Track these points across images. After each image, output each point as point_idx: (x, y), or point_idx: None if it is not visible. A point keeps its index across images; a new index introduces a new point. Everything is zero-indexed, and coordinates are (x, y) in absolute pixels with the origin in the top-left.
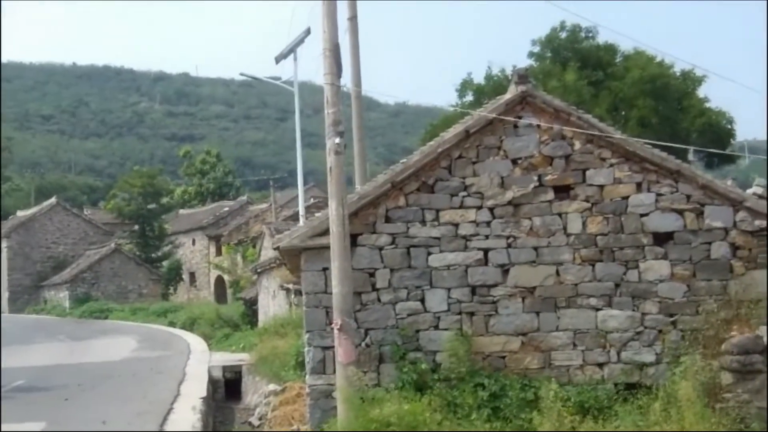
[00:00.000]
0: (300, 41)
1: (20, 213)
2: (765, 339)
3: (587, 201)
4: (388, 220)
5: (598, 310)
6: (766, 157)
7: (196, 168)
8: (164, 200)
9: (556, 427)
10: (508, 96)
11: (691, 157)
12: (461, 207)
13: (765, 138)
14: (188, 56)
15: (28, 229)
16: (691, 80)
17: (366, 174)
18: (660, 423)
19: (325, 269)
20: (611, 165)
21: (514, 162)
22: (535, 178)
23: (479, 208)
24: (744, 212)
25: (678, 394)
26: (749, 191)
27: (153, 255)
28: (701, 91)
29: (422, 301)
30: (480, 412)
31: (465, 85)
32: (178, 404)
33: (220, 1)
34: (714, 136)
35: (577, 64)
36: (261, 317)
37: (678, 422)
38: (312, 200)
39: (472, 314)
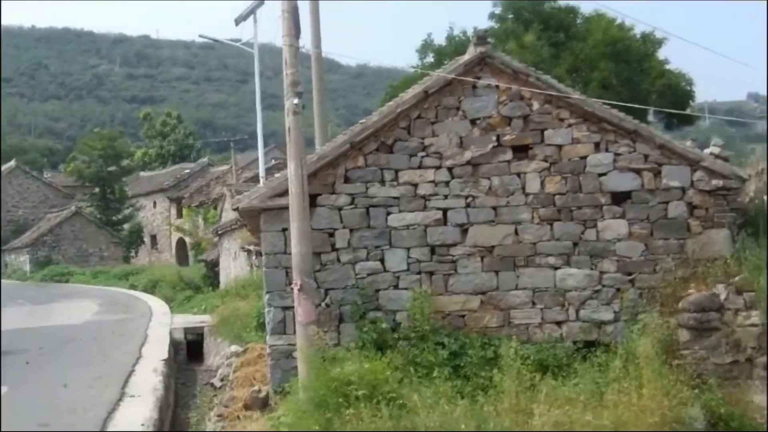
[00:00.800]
0: (260, 3)
1: None
2: (721, 297)
3: (545, 161)
4: (347, 180)
5: (556, 268)
6: (724, 118)
7: (157, 130)
8: (125, 163)
9: (516, 384)
10: (466, 57)
11: (651, 118)
12: (420, 167)
13: (724, 99)
14: (148, 19)
15: None
16: (651, 42)
17: (327, 135)
18: (619, 380)
19: (284, 230)
20: (569, 125)
21: (473, 122)
22: (494, 138)
23: (438, 168)
24: (701, 172)
25: (636, 351)
26: (706, 151)
27: (114, 218)
28: (661, 53)
29: (382, 260)
30: (440, 371)
31: (426, 47)
32: (139, 366)
33: None
34: (674, 98)
35: (539, 26)
36: (222, 279)
37: (636, 379)
38: (273, 162)
39: (431, 274)
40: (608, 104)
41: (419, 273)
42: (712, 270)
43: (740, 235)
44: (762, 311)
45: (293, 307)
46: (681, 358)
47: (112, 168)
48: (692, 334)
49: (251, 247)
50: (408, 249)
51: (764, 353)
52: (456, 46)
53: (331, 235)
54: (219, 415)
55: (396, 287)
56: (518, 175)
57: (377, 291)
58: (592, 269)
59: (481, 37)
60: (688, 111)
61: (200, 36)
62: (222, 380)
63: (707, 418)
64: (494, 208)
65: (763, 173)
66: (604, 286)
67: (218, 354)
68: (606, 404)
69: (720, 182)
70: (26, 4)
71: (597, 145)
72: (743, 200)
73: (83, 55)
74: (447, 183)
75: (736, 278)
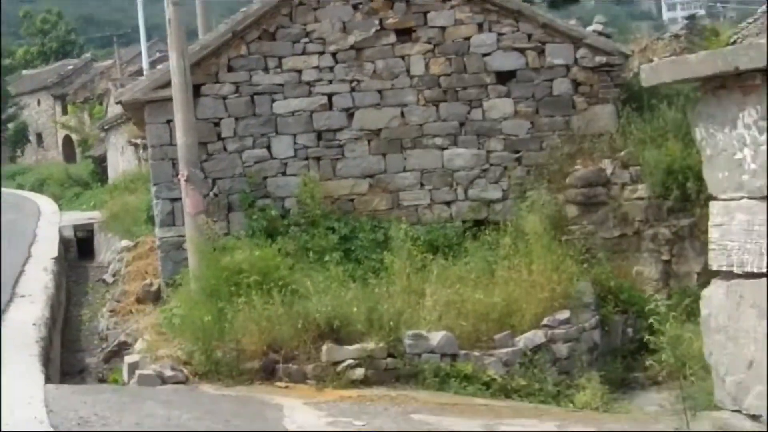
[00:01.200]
0: None
1: None
2: (608, 172)
3: (429, 43)
4: (230, 69)
5: (443, 149)
6: None
7: (37, 27)
8: (6, 62)
9: (407, 265)
10: None
11: None
12: (304, 53)
13: None
14: None
15: None
16: None
17: (212, 26)
18: (509, 257)
19: (169, 121)
20: (452, 7)
21: (355, 7)
22: (377, 22)
23: (321, 53)
24: (584, 49)
25: (525, 228)
26: (589, 29)
27: None
28: None
29: (268, 148)
30: (332, 255)
31: None
32: (29, 266)
33: None
34: None
35: None
36: (111, 174)
37: (526, 255)
38: (158, 54)
39: (318, 159)
40: None
41: (306, 159)
42: (598, 145)
43: (625, 110)
44: (647, 184)
45: (181, 199)
46: (569, 234)
47: None
48: (580, 210)
49: (138, 141)
50: (294, 135)
51: (651, 225)
52: None
53: (217, 124)
54: (111, 311)
55: (284, 174)
56: (402, 57)
57: (265, 178)
58: (479, 149)
59: None
60: None
61: None
62: (114, 276)
63: (596, 291)
64: (379, 92)
65: (647, 49)
66: (491, 164)
67: (109, 249)
68: (497, 281)
69: (603, 59)
70: None
71: (480, 26)
72: (627, 76)
73: None
74: (331, 68)
75: (622, 153)
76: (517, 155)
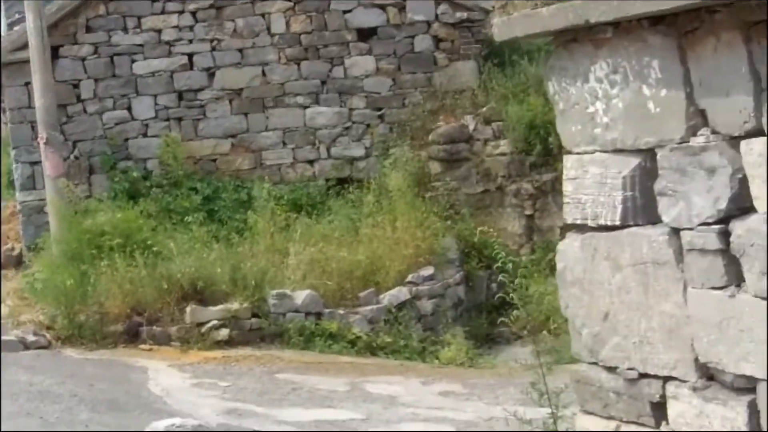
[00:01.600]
0: None
1: None
2: (470, 128)
3: (290, 0)
4: (89, 30)
5: (305, 108)
6: None
7: None
8: None
9: (271, 225)
10: None
11: None
12: (163, 12)
13: None
14: None
15: None
16: None
17: None
18: (373, 215)
19: (27, 84)
20: None
21: None
22: None
23: (181, 12)
24: (445, 5)
25: (389, 185)
26: None
27: None
28: None
29: (129, 109)
30: (195, 216)
31: None
32: None
33: None
34: None
35: None
36: None
37: (390, 213)
38: (17, 16)
39: (180, 120)
40: None
41: (168, 120)
42: (460, 101)
43: (486, 66)
44: (510, 139)
45: (41, 162)
46: (433, 190)
47: None
48: (443, 166)
49: None
50: (155, 96)
51: (514, 181)
52: None
53: (76, 86)
54: None
55: (145, 135)
56: (263, 15)
57: (126, 140)
58: (341, 107)
59: None
60: None
61: None
62: None
63: (460, 247)
64: (240, 51)
65: (507, 5)
66: (354, 122)
67: None
68: (361, 239)
69: (464, 15)
70: None
71: None
72: (488, 32)
73: None
74: (191, 27)
75: (484, 108)
76: (379, 113)
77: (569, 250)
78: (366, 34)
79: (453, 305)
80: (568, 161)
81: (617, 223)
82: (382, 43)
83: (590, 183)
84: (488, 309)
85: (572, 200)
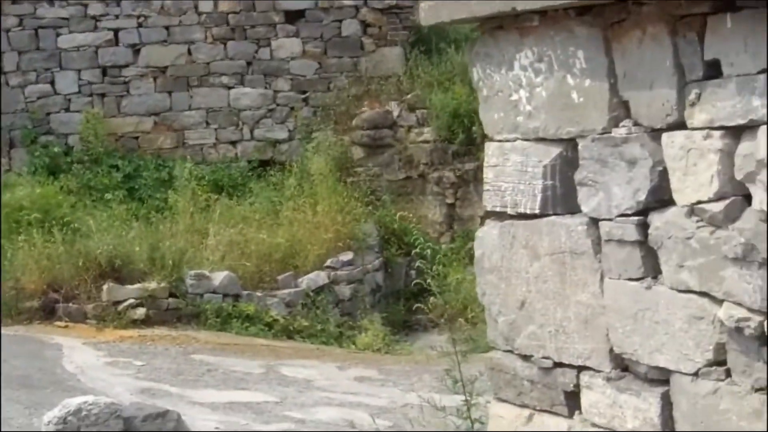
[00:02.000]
0: None
1: None
2: (394, 114)
3: None
4: (14, 1)
5: (230, 88)
6: None
7: None
8: None
9: (191, 205)
10: None
11: None
12: None
13: None
14: None
15: None
16: None
17: None
18: (294, 198)
19: None
20: None
21: None
22: None
23: None
24: None
25: (311, 169)
26: None
27: None
28: None
29: (52, 83)
30: (115, 194)
31: None
32: None
33: None
34: None
35: None
36: None
37: (311, 196)
38: None
39: (103, 96)
40: None
41: (91, 95)
42: (385, 87)
43: (413, 53)
44: (433, 127)
45: None
46: (355, 176)
47: None
48: (366, 151)
49: None
50: (79, 71)
51: (436, 168)
52: None
53: None
54: None
55: (67, 110)
56: None
57: (48, 114)
58: (266, 88)
59: None
60: None
61: None
62: None
63: (380, 233)
64: (167, 28)
65: None
66: (278, 105)
67: None
68: (281, 222)
69: (392, 0)
70: None
71: None
72: (416, 18)
73: None
74: (118, 3)
75: (409, 95)
76: (304, 96)
77: (488, 237)
78: (294, 17)
79: (371, 291)
80: (489, 148)
81: (536, 211)
82: (309, 26)
83: (511, 171)
84: (407, 296)
85: (492, 187)
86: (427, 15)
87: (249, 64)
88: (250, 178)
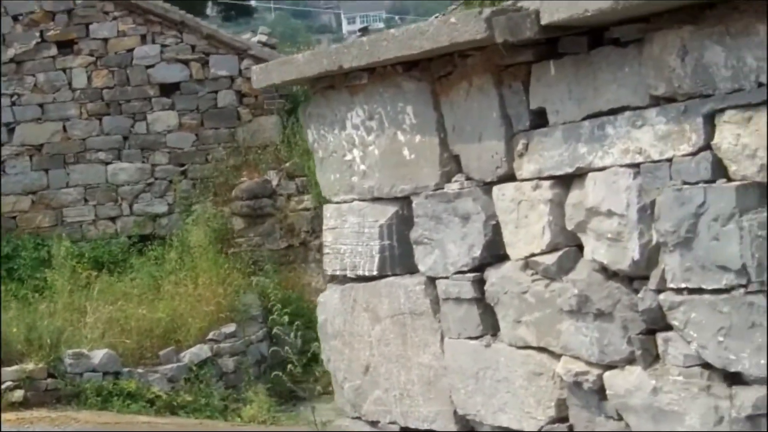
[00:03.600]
0: None
1: None
2: (273, 183)
3: (92, 55)
4: None
5: (107, 164)
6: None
7: None
8: None
9: (71, 283)
10: None
11: (210, 11)
12: None
13: None
14: None
15: None
16: None
17: None
18: (175, 272)
19: None
20: (115, 18)
21: (15, 18)
22: (38, 34)
23: None
24: (249, 60)
25: (191, 242)
26: (254, 39)
27: None
28: None
29: None
30: None
31: None
32: None
33: None
34: None
35: None
36: None
37: (192, 270)
38: None
39: None
40: None
41: None
42: (263, 157)
43: (290, 121)
44: (313, 195)
45: None
46: (237, 246)
47: None
48: (246, 222)
49: None
50: None
51: (317, 236)
52: None
53: None
54: None
55: None
56: (64, 70)
57: None
58: (144, 162)
59: None
60: (253, 2)
61: None
62: None
63: (264, 303)
64: (41, 105)
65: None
66: (156, 178)
67: None
68: (162, 296)
69: None
70: None
71: (144, 37)
72: (292, 87)
73: None
74: None
75: (287, 164)
76: (182, 168)
77: (330, 301)
78: (169, 89)
79: (256, 362)
80: (327, 211)
81: (375, 273)
82: (184, 98)
83: (349, 232)
84: (294, 365)
85: (332, 250)
86: (258, 78)
87: (126, 138)
88: (130, 254)
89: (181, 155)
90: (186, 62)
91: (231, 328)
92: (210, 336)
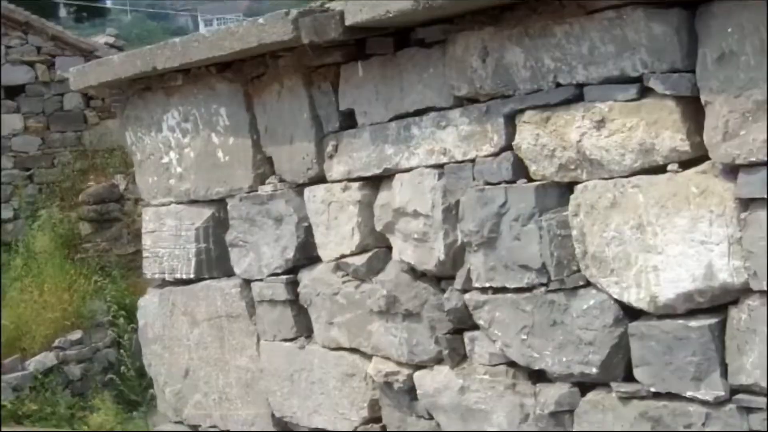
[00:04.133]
0: None
1: None
2: (121, 187)
3: None
4: None
5: None
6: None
7: None
8: None
9: None
10: None
11: (62, 12)
12: None
13: None
14: None
15: None
16: None
17: None
18: (21, 278)
19: None
20: None
21: None
22: None
23: None
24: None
25: (36, 248)
26: (101, 40)
27: None
28: None
29: None
30: None
31: None
32: None
33: None
34: None
35: None
36: None
37: (38, 276)
38: None
39: None
40: None
41: None
42: (110, 161)
43: None
44: None
45: None
46: (83, 252)
47: None
48: (93, 227)
49: None
50: None
51: None
52: None
53: None
54: None
55: None
56: None
57: None
58: None
59: None
60: (108, 4)
61: None
62: None
63: (111, 309)
64: None
65: None
66: (1, 184)
67: None
68: (7, 303)
69: None
70: None
71: None
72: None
73: None
74: None
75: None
76: (28, 173)
77: (149, 306)
78: (13, 92)
79: (103, 369)
80: (146, 214)
81: (192, 276)
82: (30, 101)
83: (167, 236)
84: (144, 371)
85: (151, 254)
86: (75, 80)
87: None
88: None
89: (26, 159)
90: (31, 64)
91: (77, 335)
92: (56, 343)
